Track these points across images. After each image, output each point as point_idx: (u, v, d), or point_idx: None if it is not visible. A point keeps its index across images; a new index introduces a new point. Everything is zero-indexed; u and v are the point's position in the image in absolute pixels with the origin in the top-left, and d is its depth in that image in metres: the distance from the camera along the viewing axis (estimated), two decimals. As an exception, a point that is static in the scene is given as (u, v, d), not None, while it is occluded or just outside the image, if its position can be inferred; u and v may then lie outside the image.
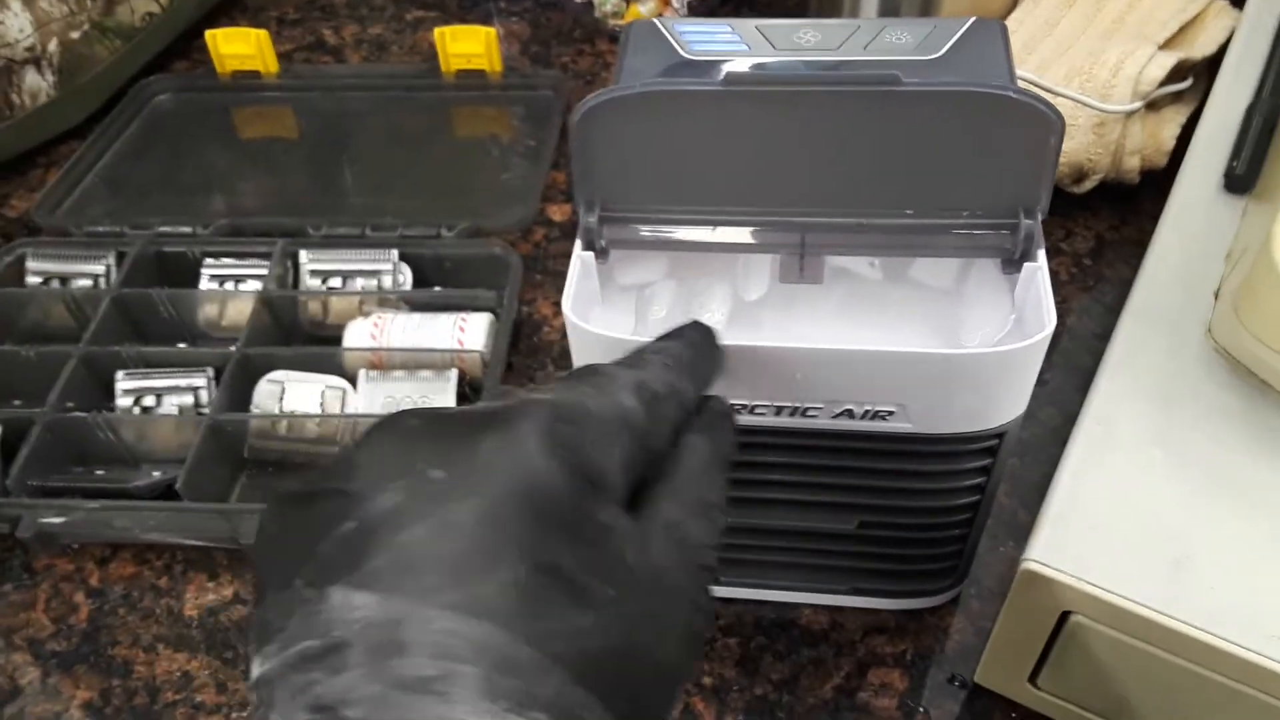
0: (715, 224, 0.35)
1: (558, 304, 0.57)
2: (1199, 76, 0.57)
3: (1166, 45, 0.55)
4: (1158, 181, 0.56)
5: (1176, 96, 0.56)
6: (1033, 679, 0.38)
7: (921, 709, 0.41)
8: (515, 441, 0.23)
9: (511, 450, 0.23)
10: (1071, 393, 0.50)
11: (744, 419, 0.35)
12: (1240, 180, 0.44)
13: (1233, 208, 0.44)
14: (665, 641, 0.24)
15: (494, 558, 0.21)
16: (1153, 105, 0.55)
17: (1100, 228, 0.58)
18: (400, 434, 0.24)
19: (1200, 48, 0.55)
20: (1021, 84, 0.54)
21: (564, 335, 0.55)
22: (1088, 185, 0.56)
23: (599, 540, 0.23)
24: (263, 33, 0.70)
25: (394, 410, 0.26)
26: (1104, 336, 0.53)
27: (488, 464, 0.23)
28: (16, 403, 0.52)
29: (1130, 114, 0.53)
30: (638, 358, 0.28)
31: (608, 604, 0.23)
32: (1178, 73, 0.54)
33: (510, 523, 0.22)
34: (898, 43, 0.36)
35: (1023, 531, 0.45)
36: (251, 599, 0.45)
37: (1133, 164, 0.55)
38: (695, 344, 0.30)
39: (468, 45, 0.69)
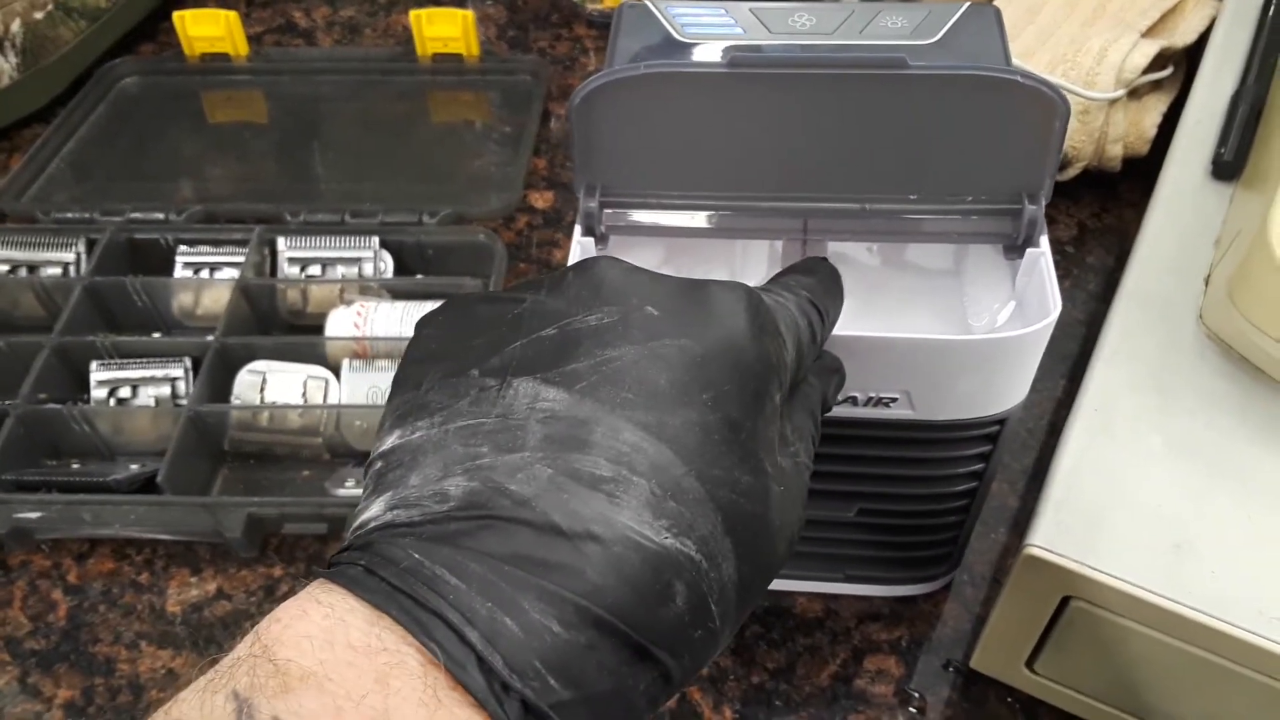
0: (717, 209, 0.35)
1: (542, 292, 0.56)
2: (1178, 65, 0.57)
3: (1148, 33, 0.55)
4: (1139, 170, 0.56)
5: (1157, 84, 0.56)
6: (1030, 664, 0.38)
7: (918, 695, 0.41)
8: (728, 306, 0.25)
9: (724, 312, 0.24)
10: (1057, 379, 0.51)
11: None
12: (1228, 167, 0.44)
13: (1220, 194, 0.44)
14: (783, 533, 0.25)
15: (689, 396, 0.23)
16: (1134, 93, 0.55)
17: (1082, 215, 0.58)
18: (616, 271, 0.25)
19: (1181, 36, 0.56)
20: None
21: (549, 323, 0.55)
22: (1071, 173, 0.57)
23: (772, 418, 0.25)
24: (232, 14, 0.68)
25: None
26: (1088, 323, 0.53)
27: (703, 316, 0.24)
28: (-15, 396, 0.50)
29: (1114, 102, 0.53)
30: (790, 285, 0.29)
31: (763, 476, 0.24)
32: (1159, 61, 0.55)
33: (712, 371, 0.23)
34: (894, 27, 0.36)
35: (1014, 517, 0.46)
36: (238, 592, 0.45)
37: (1115, 152, 0.55)
38: (829, 289, 0.30)
39: (444, 28, 0.67)
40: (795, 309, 0.28)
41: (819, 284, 0.30)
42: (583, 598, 0.20)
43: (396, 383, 0.24)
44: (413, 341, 0.26)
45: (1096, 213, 0.58)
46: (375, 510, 0.22)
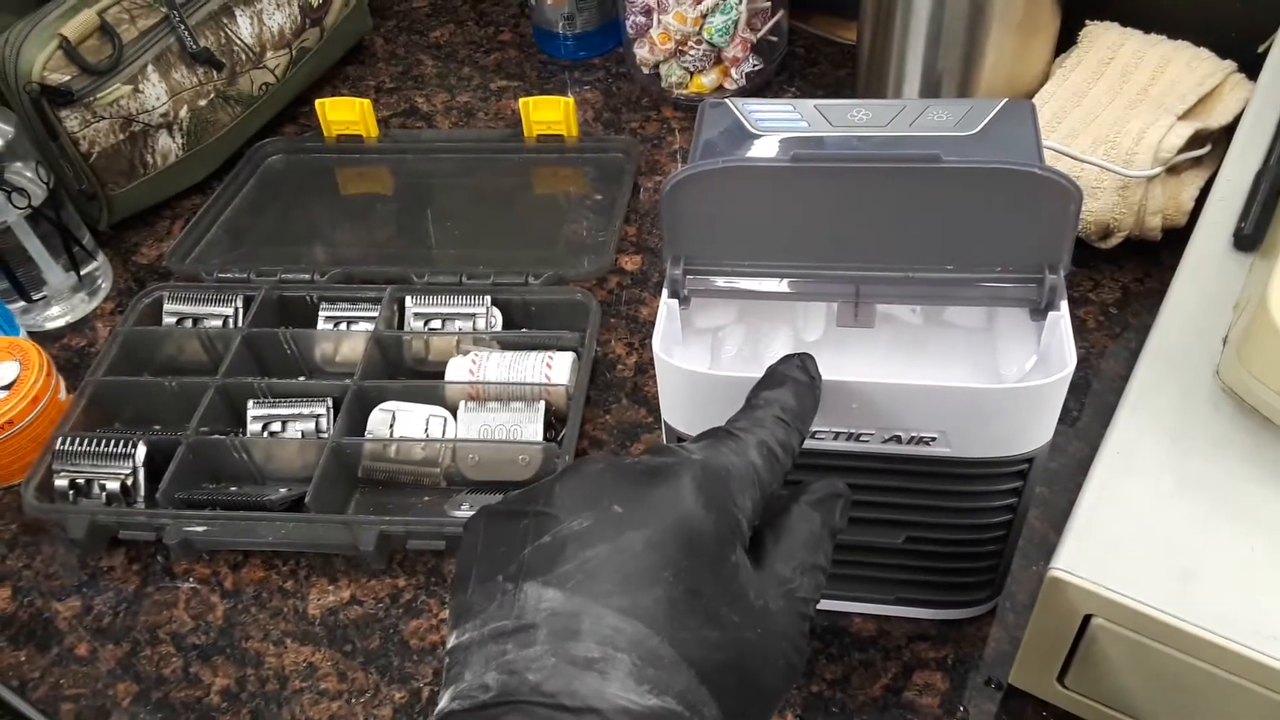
0: (783, 275, 0.41)
1: (630, 345, 0.63)
2: (1217, 143, 0.62)
3: (1186, 115, 0.60)
4: (1181, 239, 0.61)
5: (1196, 161, 0.61)
6: (1061, 679, 0.43)
7: (962, 708, 0.46)
8: (677, 491, 0.30)
9: (674, 498, 0.30)
10: (1098, 429, 0.55)
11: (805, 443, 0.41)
12: (1248, 239, 0.49)
13: (1241, 264, 0.49)
14: (770, 667, 0.31)
15: (654, 577, 0.29)
16: (1174, 169, 0.60)
17: (1125, 280, 0.63)
18: (591, 475, 0.31)
19: (1217, 117, 0.61)
20: (1051, 152, 0.60)
21: (636, 373, 0.61)
22: (1113, 241, 0.62)
23: (731, 577, 0.30)
24: (366, 101, 0.77)
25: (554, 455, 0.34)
26: (1129, 378, 0.58)
27: (656, 506, 0.30)
28: (156, 427, 0.59)
29: (1151, 178, 0.58)
30: (757, 418, 0.34)
31: (731, 627, 0.30)
32: (1197, 140, 0.60)
33: (670, 553, 0.29)
34: (939, 120, 0.41)
35: (1053, 553, 0.50)
36: (369, 599, 0.52)
37: (1154, 223, 0.60)
38: (799, 392, 0.36)
39: (548, 113, 0.76)
40: (754, 448, 0.33)
41: (789, 396, 0.35)
42: None
43: (456, 579, 0.32)
44: (462, 542, 0.33)
45: (1139, 277, 0.63)
46: (444, 702, 0.29)
